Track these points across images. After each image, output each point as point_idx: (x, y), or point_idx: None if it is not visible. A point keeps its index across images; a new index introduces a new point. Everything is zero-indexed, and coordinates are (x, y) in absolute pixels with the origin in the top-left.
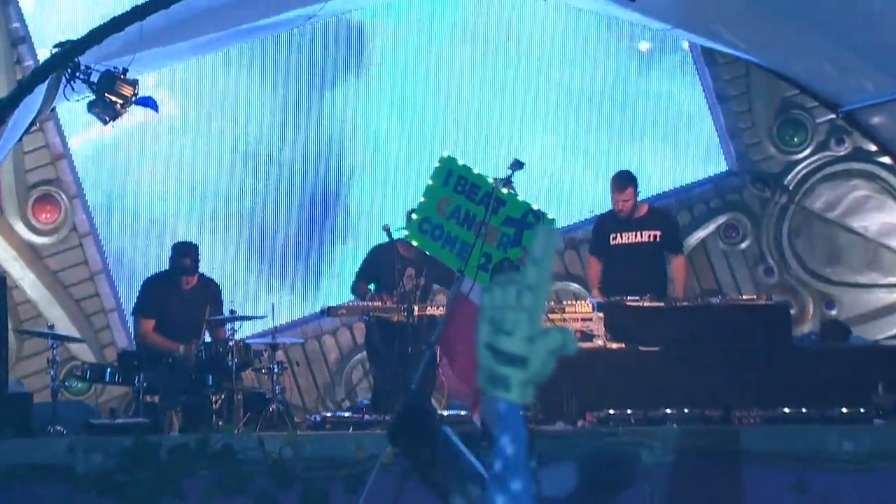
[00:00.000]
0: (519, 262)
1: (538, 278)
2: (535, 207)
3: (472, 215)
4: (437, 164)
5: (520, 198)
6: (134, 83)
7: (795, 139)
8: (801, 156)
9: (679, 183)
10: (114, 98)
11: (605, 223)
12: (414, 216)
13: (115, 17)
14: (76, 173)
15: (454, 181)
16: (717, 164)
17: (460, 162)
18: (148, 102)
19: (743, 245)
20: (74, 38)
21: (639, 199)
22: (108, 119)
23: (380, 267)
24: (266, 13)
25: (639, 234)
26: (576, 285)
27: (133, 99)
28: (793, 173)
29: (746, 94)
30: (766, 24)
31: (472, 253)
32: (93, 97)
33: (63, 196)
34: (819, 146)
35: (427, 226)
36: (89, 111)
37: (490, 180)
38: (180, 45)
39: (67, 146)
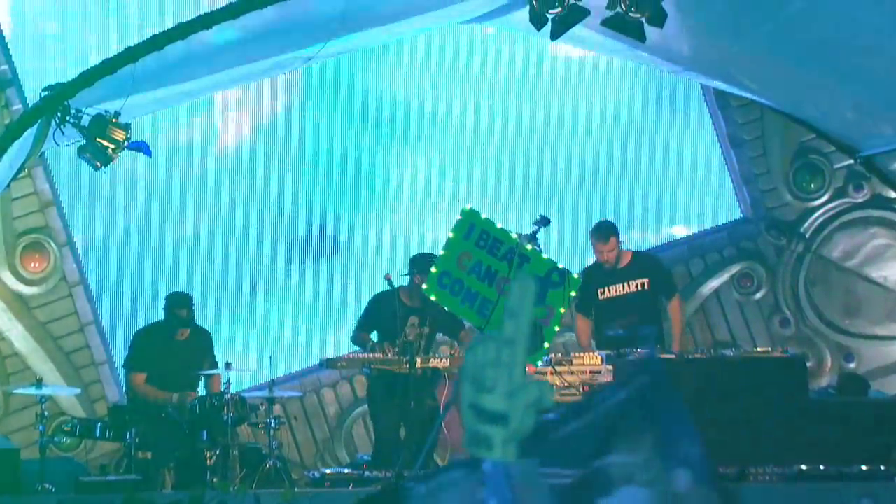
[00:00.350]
0: (542, 322)
1: (516, 331)
2: (560, 266)
3: (493, 271)
4: (458, 217)
5: (544, 255)
6: (126, 127)
7: (812, 185)
8: (818, 202)
9: (691, 230)
10: (105, 142)
11: (590, 277)
12: (433, 269)
13: (106, 60)
14: (66, 220)
15: (476, 235)
16: (731, 211)
17: (483, 215)
18: (141, 147)
19: (758, 295)
20: (64, 80)
21: (628, 247)
22: (99, 164)
23: (381, 316)
24: (263, 54)
25: (626, 284)
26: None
27: (125, 143)
28: (809, 221)
29: (761, 139)
30: (780, 65)
31: (494, 310)
32: (83, 142)
33: (52, 244)
34: (837, 192)
35: (447, 280)
36: (80, 156)
37: (514, 236)
38: (174, 89)
39: (57, 192)
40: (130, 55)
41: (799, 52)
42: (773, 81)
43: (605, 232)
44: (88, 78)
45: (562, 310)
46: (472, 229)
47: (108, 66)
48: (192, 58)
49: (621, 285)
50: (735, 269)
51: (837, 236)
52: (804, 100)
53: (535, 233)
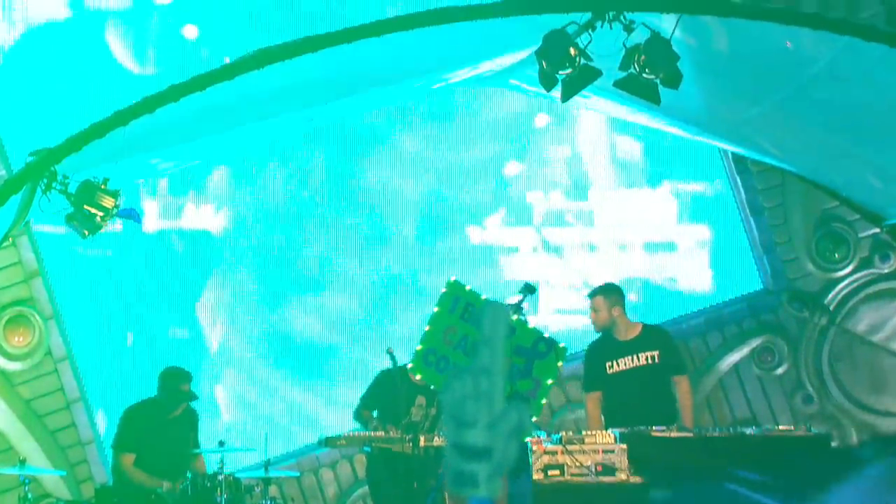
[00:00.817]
0: (529, 395)
1: (492, 360)
2: (546, 335)
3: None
4: (443, 290)
5: (530, 325)
6: (116, 194)
7: (836, 255)
8: (842, 273)
9: (709, 302)
10: (94, 210)
11: (598, 352)
12: (418, 347)
13: (95, 123)
14: (52, 292)
15: (461, 308)
16: (751, 282)
17: (468, 287)
18: (131, 214)
19: (779, 370)
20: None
21: (638, 318)
22: (87, 233)
23: (385, 393)
24: (263, 114)
25: (635, 357)
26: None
27: (115, 211)
28: (833, 292)
29: (782, 206)
30: (802, 129)
31: None
32: (71, 209)
33: (38, 317)
34: (862, 263)
35: (432, 357)
36: (67, 224)
37: None
38: (167, 152)
39: (43, 262)
40: (120, 118)
41: (821, 114)
42: (795, 146)
43: (592, 290)
44: (76, 142)
45: (549, 381)
46: (457, 302)
47: (97, 130)
48: (187, 119)
49: (630, 358)
50: (755, 342)
51: (863, 309)
52: (827, 165)
53: (520, 302)
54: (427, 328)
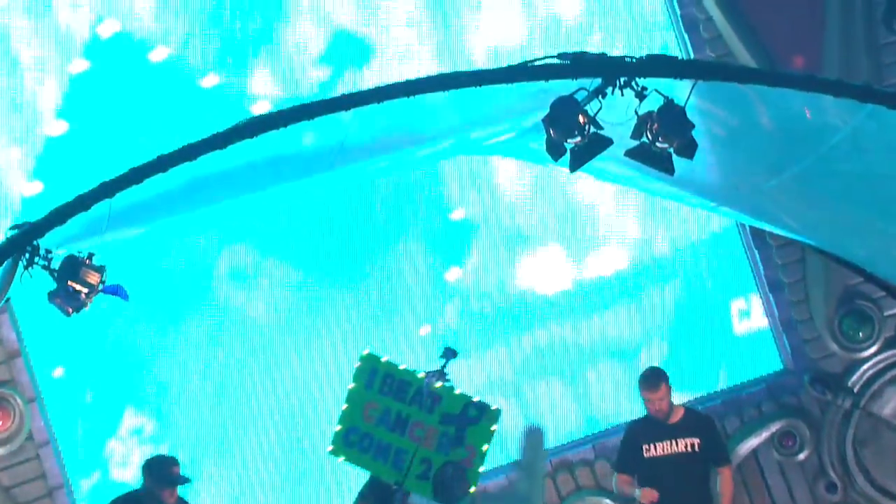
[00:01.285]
0: (464, 465)
1: (530, 490)
2: (475, 399)
3: (404, 417)
4: (357, 365)
5: (457, 391)
6: (101, 269)
7: (860, 334)
8: (867, 353)
9: (725, 383)
10: (78, 286)
11: (636, 432)
12: (337, 428)
13: (80, 195)
14: (33, 373)
15: (379, 381)
16: (770, 362)
17: (384, 358)
18: (117, 291)
19: (801, 456)
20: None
21: (675, 401)
22: (71, 311)
23: (383, 490)
24: (257, 184)
25: (675, 442)
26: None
27: (100, 287)
28: (857, 374)
29: (802, 282)
30: (823, 201)
31: (412, 461)
32: (54, 285)
33: (18, 399)
34: (887, 343)
35: (354, 437)
36: (50, 302)
37: (420, 375)
38: (156, 226)
39: (24, 342)
40: (106, 189)
41: (843, 186)
42: (815, 218)
43: (654, 379)
44: (60, 215)
45: (484, 447)
46: (374, 375)
47: (82, 202)
48: (176, 192)
49: (669, 443)
50: (775, 426)
51: (889, 391)
52: (850, 239)
53: (442, 367)
54: (344, 407)
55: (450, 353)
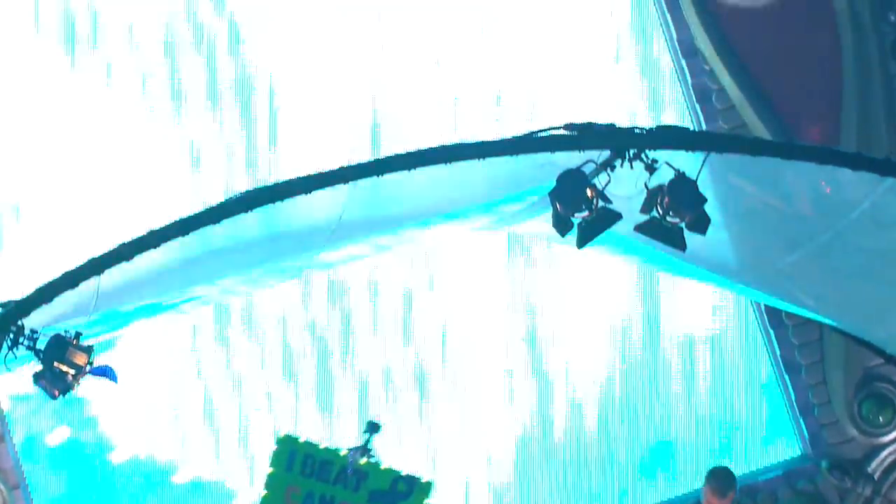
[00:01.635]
0: None
1: None
2: (404, 473)
3: (329, 498)
4: (273, 448)
5: (383, 466)
6: (89, 350)
7: (881, 418)
8: (887, 438)
9: (741, 469)
10: (64, 368)
11: None
12: None
13: (67, 272)
14: (17, 459)
15: (299, 464)
16: (787, 448)
17: (302, 439)
18: (106, 372)
19: None
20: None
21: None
22: (57, 393)
23: None
24: (253, 262)
25: None
26: None
27: (88, 369)
28: (878, 459)
29: (820, 363)
30: (842, 279)
31: None
32: (40, 367)
33: (2, 487)
34: None
35: None
36: (35, 384)
37: (343, 452)
38: (144, 305)
39: (7, 427)
40: (94, 267)
41: (863, 263)
42: (834, 297)
43: (725, 483)
44: (46, 293)
45: None
46: (294, 457)
47: (69, 280)
48: (166, 270)
49: None
50: None
51: None
52: (870, 319)
53: (366, 442)
54: (264, 493)
55: (372, 428)
